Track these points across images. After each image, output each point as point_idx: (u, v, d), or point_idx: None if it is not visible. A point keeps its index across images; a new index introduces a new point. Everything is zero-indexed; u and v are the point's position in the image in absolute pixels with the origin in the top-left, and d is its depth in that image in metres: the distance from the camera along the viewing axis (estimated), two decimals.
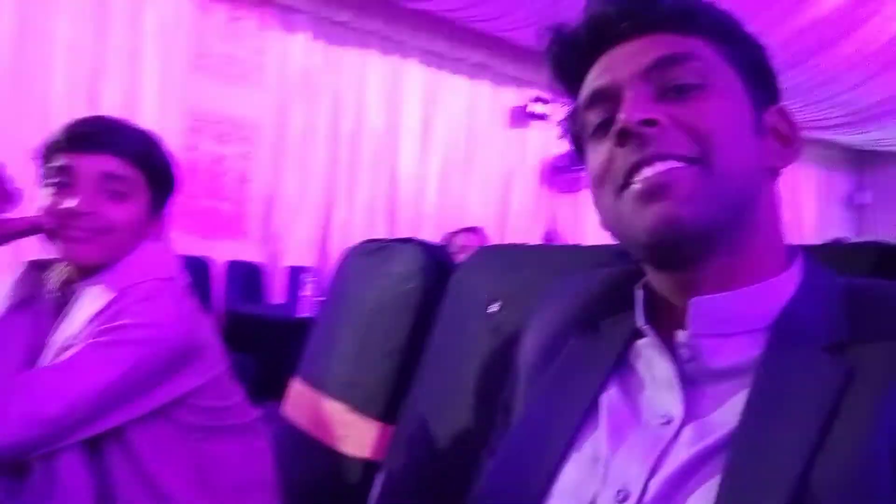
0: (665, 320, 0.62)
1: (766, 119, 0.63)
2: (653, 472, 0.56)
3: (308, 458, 1.27)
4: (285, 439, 1.34)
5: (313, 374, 1.36)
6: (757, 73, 0.64)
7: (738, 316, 0.59)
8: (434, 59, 4.98)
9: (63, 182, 1.00)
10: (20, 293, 1.07)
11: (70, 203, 0.99)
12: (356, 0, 4.33)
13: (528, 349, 0.74)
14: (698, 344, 0.59)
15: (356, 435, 1.20)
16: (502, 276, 1.07)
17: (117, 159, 1.02)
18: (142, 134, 1.09)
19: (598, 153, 0.63)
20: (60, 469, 0.94)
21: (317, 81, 4.32)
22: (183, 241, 3.89)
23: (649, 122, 0.58)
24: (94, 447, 0.97)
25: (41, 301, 1.07)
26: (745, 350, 0.57)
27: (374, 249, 1.39)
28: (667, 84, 0.61)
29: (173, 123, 3.89)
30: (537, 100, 5.56)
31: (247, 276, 3.96)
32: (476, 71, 5.28)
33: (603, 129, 0.63)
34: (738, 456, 0.52)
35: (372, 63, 4.68)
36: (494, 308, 1.01)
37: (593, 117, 0.64)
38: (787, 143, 0.65)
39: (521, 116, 5.60)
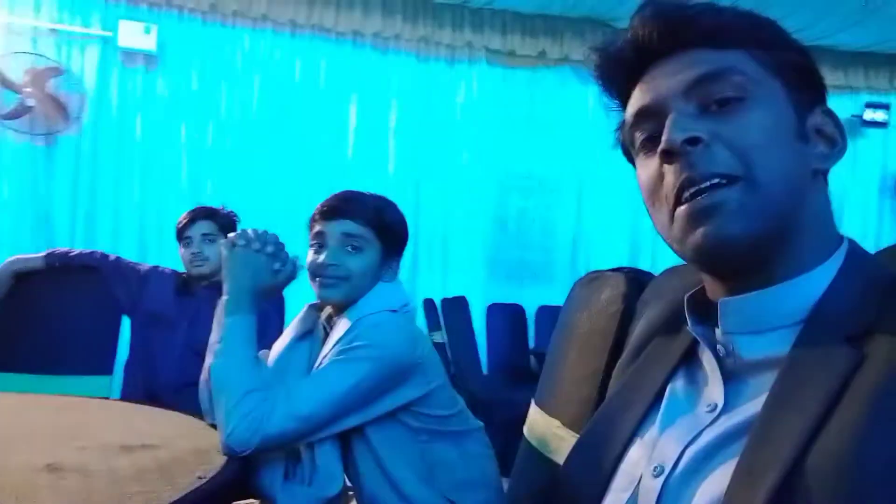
0: (714, 319, 0.65)
1: (811, 122, 0.63)
2: (685, 450, 0.61)
3: (535, 468, 1.40)
4: (522, 452, 1.49)
5: (542, 395, 1.49)
6: (800, 77, 0.64)
7: (767, 313, 0.61)
8: None
9: (319, 243, 1.33)
10: (303, 327, 1.42)
11: (321, 258, 1.30)
12: None
13: (626, 350, 0.81)
14: (731, 341, 0.62)
15: (567, 448, 1.30)
16: (678, 294, 1.10)
17: (354, 223, 1.31)
18: (376, 201, 1.37)
19: (646, 168, 0.67)
20: (319, 458, 1.23)
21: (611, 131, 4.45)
22: (496, 289, 4.32)
23: (692, 141, 0.60)
24: (345, 442, 1.26)
25: (317, 332, 1.41)
26: (780, 344, 0.59)
27: (591, 279, 1.49)
28: (709, 98, 0.62)
29: (487, 183, 4.37)
30: (873, 106, 4.94)
31: (555, 319, 4.20)
32: None
33: (649, 143, 0.66)
34: (751, 440, 0.55)
35: None
36: None
37: (639, 133, 0.67)
38: (832, 143, 0.64)
39: (854, 126, 4.99)
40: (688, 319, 0.68)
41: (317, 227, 1.33)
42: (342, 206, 1.32)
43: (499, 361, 3.98)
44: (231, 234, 1.30)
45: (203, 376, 1.29)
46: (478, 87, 4.40)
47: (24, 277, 2.28)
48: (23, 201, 3.70)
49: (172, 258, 2.77)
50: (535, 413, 1.50)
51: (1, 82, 3.62)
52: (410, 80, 4.30)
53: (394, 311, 1.30)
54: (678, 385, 0.69)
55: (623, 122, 0.72)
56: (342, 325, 1.27)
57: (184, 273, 2.34)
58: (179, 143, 3.92)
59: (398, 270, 1.38)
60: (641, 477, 0.64)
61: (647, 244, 4.49)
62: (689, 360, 0.70)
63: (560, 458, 1.30)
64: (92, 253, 2.41)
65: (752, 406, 0.59)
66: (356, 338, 1.22)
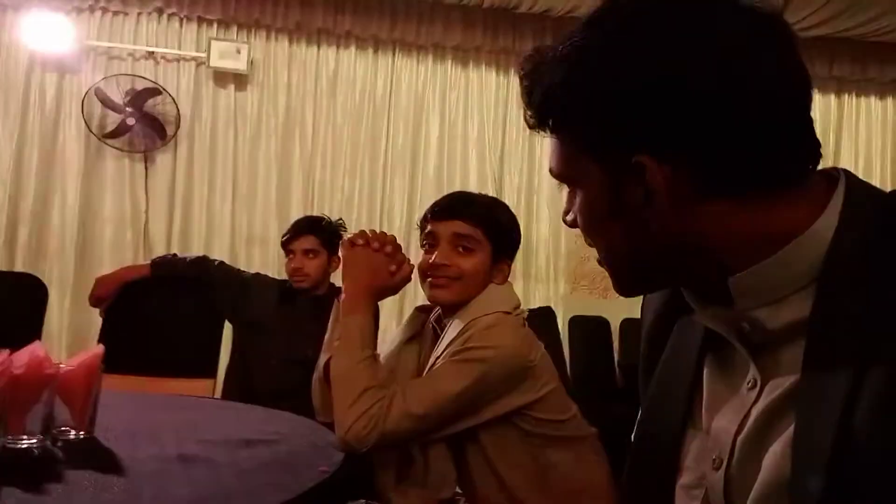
0: (726, 298, 0.62)
1: (640, 170, 0.57)
2: (737, 434, 0.59)
3: None
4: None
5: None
6: (609, 137, 0.59)
7: (781, 280, 0.57)
8: (832, 84, 4.57)
9: (430, 243, 1.33)
10: (411, 329, 1.42)
11: (433, 258, 1.30)
12: None
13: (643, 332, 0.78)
14: (751, 315, 0.59)
15: None
16: None
17: (465, 223, 1.31)
18: (487, 202, 1.37)
19: None
20: (432, 459, 1.22)
21: None
22: (579, 301, 4.25)
23: (567, 223, 0.68)
24: (457, 445, 1.24)
25: (425, 333, 1.41)
26: (801, 307, 0.56)
27: None
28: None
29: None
30: None
31: (638, 331, 4.08)
32: (889, 89, 4.66)
33: None
34: (801, 414, 0.53)
35: None
36: None
37: None
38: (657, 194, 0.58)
39: None
40: (695, 307, 0.64)
41: (428, 228, 1.33)
42: (454, 206, 1.32)
43: (583, 375, 3.91)
44: (351, 235, 1.32)
45: (317, 374, 1.30)
46: None
47: (131, 283, 2.38)
48: (123, 216, 3.87)
49: (260, 269, 2.88)
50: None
51: (103, 103, 3.80)
52: (491, 92, 4.31)
53: (507, 313, 1.28)
54: (713, 368, 0.66)
55: None
56: (455, 327, 1.27)
57: (287, 282, 2.38)
58: (268, 158, 4.03)
59: (509, 273, 1.37)
60: (705, 472, 0.63)
61: None
62: (715, 340, 0.66)
63: None
64: (196, 259, 2.48)
65: (790, 377, 0.56)
66: (470, 339, 1.22)
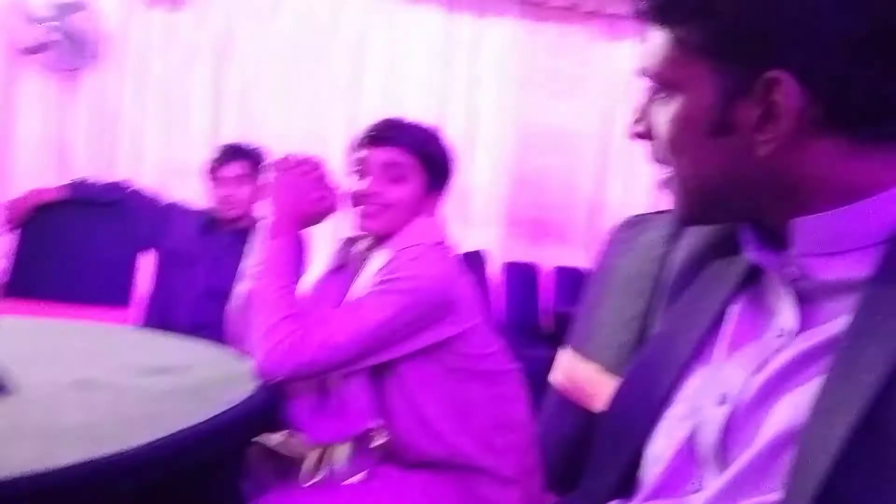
0: (779, 242, 0.60)
1: (755, 97, 0.54)
2: (752, 377, 0.57)
3: (565, 415, 1.37)
4: (550, 400, 1.45)
5: (576, 340, 1.45)
6: (737, 42, 0.54)
7: (844, 234, 0.55)
8: None
9: (360, 170, 1.28)
10: (337, 260, 1.37)
11: (363, 186, 1.25)
12: None
13: (671, 271, 0.76)
14: (805, 262, 0.57)
15: (604, 393, 1.26)
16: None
17: (398, 150, 1.26)
18: (421, 130, 1.32)
19: None
20: (349, 392, 1.19)
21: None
22: (513, 247, 4.27)
23: (637, 134, 0.64)
24: (376, 377, 1.22)
25: (352, 265, 1.36)
26: (857, 266, 0.54)
27: (635, 222, 1.43)
28: (651, 86, 0.61)
29: (506, 138, 4.28)
30: None
31: (572, 280, 4.14)
32: None
33: None
34: (835, 369, 0.51)
35: None
36: None
37: None
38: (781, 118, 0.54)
39: None
40: (746, 244, 0.62)
41: (360, 154, 1.28)
42: (387, 133, 1.27)
43: (510, 319, 3.96)
44: (279, 158, 1.25)
45: (237, 302, 1.25)
46: (504, 40, 4.29)
47: (45, 207, 2.25)
48: (42, 139, 3.65)
49: (191, 198, 2.76)
50: (569, 359, 1.46)
51: (24, 16, 3.55)
52: (437, 34, 4.19)
53: (433, 245, 1.25)
54: (742, 310, 0.64)
55: None
56: (381, 257, 1.23)
57: (211, 211, 2.29)
58: (200, 83, 3.85)
59: (440, 205, 1.32)
60: (702, 407, 0.60)
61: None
62: (751, 284, 0.65)
63: (596, 404, 1.27)
64: (113, 185, 2.36)
65: (826, 329, 0.54)
66: (396, 269, 1.18)
